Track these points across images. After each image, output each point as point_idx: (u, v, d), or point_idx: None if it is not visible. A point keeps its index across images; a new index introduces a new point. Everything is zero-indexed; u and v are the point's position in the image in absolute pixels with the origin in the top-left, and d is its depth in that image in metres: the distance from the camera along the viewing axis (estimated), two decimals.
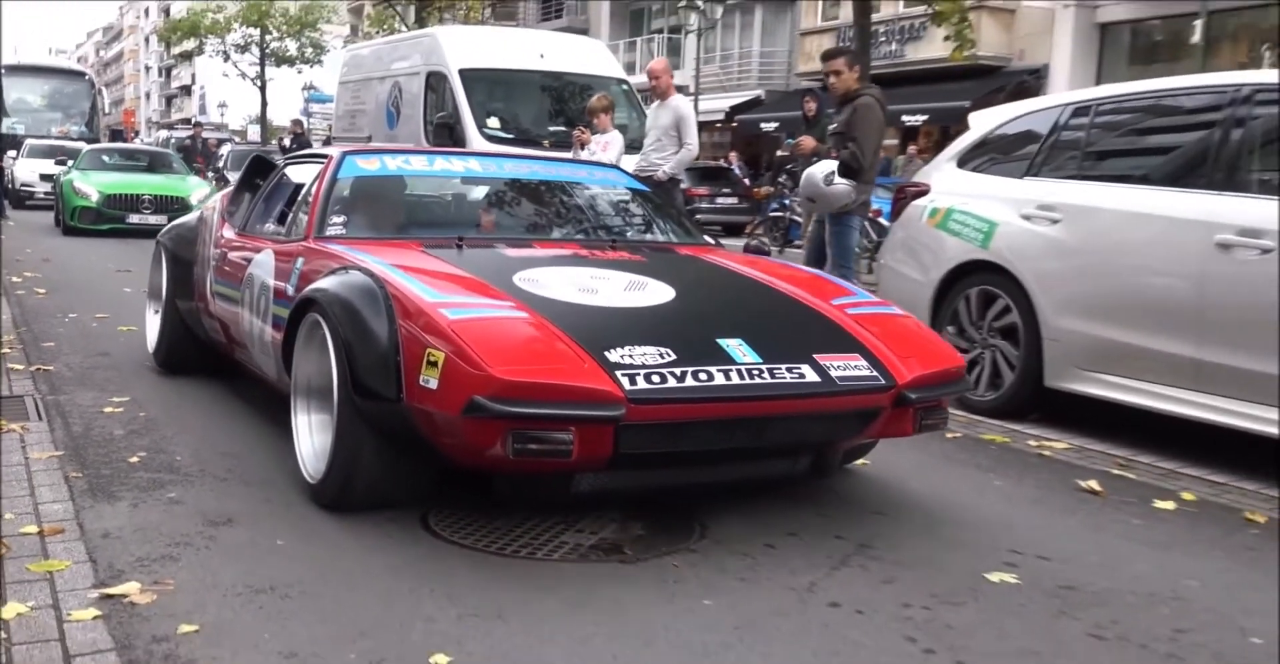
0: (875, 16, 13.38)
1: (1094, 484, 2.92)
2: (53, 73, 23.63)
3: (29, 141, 16.73)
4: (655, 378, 2.14)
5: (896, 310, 2.78)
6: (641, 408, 2.09)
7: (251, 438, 3.13)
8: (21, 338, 4.60)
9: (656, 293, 2.59)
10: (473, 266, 2.66)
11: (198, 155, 16.19)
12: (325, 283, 2.54)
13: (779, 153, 14.80)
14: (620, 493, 2.39)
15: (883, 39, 16.16)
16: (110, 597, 1.92)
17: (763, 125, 18.66)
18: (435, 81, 9.78)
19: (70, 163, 12.15)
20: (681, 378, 2.16)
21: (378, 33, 21.02)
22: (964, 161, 4.13)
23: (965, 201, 3.91)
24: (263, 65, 30.96)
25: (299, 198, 3.37)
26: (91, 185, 10.64)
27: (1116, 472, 3.10)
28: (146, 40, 63.62)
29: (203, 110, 45.65)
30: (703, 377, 2.18)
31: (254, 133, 34.49)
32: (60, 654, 1.71)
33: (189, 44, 32.94)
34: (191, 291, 3.85)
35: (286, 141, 14.64)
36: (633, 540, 2.33)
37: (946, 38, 11.54)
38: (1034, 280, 3.59)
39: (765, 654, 1.80)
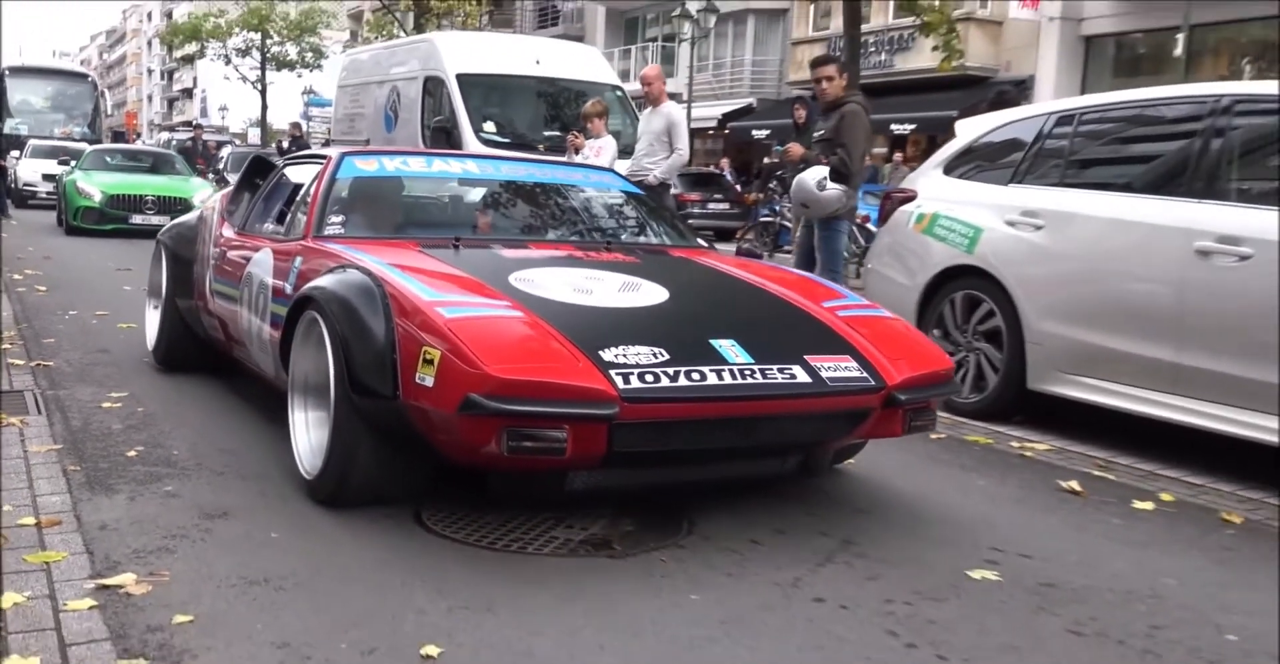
0: (865, 27, 13.52)
1: (1075, 485, 2.96)
2: (56, 74, 23.73)
3: (32, 142, 16.80)
4: (649, 377, 2.17)
5: (886, 313, 2.82)
6: (635, 407, 2.12)
7: (248, 434, 3.16)
8: (22, 334, 4.63)
9: (650, 294, 2.62)
10: (469, 266, 2.69)
11: (198, 157, 16.23)
12: (323, 281, 2.57)
13: (766, 160, 14.92)
14: (613, 491, 2.42)
15: (872, 49, 16.37)
16: (106, 587, 1.94)
17: (754, 132, 18.85)
18: (433, 86, 9.86)
19: (73, 163, 12.14)
20: (674, 377, 2.19)
21: (377, 38, 21.10)
22: (950, 168, 4.19)
23: (951, 207, 3.97)
24: (263, 69, 31.08)
25: (298, 198, 3.41)
26: (95, 185, 10.64)
27: (1097, 473, 3.15)
28: (149, 44, 63.77)
29: (204, 113, 45.73)
30: (695, 376, 2.21)
31: (254, 136, 34.57)
32: (56, 643, 1.73)
33: (191, 48, 33.09)
34: (191, 290, 3.89)
35: (285, 143, 14.70)
36: (622, 536, 2.36)
37: (935, 48, 11.69)
38: (1017, 285, 3.65)
39: (751, 648, 1.83)
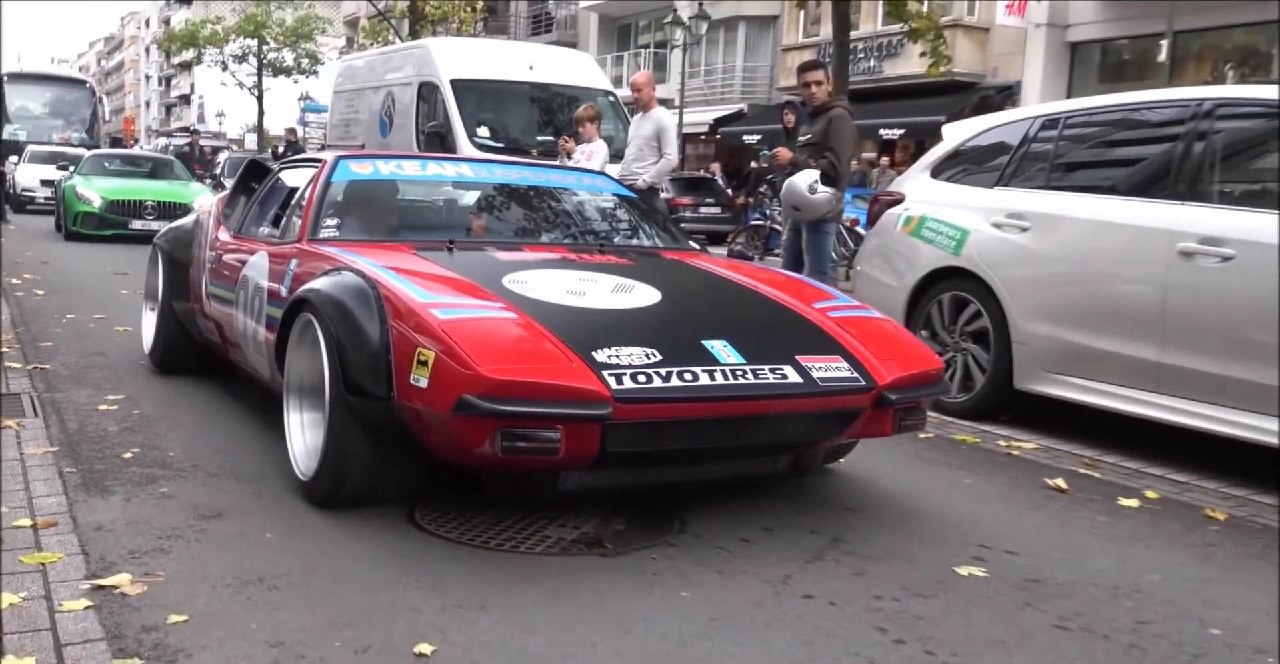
0: (854, 34, 13.67)
1: (1061, 482, 2.99)
2: (55, 81, 23.75)
3: (30, 147, 16.82)
4: (641, 378, 2.19)
5: (876, 313, 2.84)
6: (628, 407, 2.13)
7: (244, 436, 3.18)
8: (20, 337, 4.65)
9: (643, 295, 2.64)
10: (463, 269, 2.71)
11: (195, 163, 16.26)
12: (318, 283, 2.59)
13: (753, 164, 14.99)
14: (605, 490, 2.44)
15: (861, 55, 16.52)
16: (101, 588, 1.95)
17: (745, 137, 19.00)
18: (427, 92, 9.89)
19: (72, 168, 12.09)
20: (667, 378, 2.21)
21: (372, 44, 21.14)
22: (937, 172, 4.23)
23: (938, 210, 4.01)
24: (260, 75, 31.15)
25: (293, 201, 3.43)
26: (94, 191, 10.59)
27: (1083, 471, 3.18)
28: (147, 50, 63.86)
29: (201, 119, 45.78)
30: (688, 377, 2.23)
31: (251, 141, 34.63)
32: (51, 643, 1.74)
33: (188, 54, 33.17)
34: (187, 293, 3.91)
35: (281, 148, 14.73)
36: (613, 535, 2.38)
37: (922, 54, 11.78)
38: (1004, 286, 3.69)
39: (741, 644, 1.85)
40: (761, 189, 10.52)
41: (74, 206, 10.57)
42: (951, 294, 3.93)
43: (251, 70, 31.28)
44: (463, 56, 10.08)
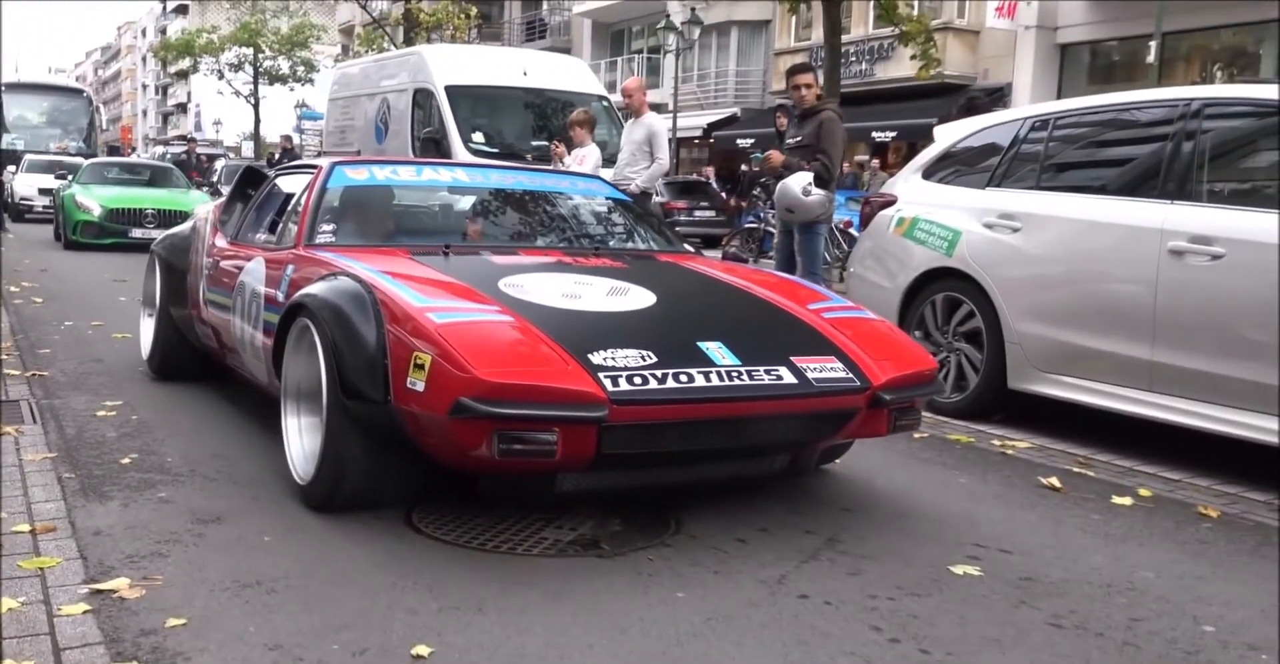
0: (845, 37, 13.72)
1: (1054, 481, 3.00)
2: (52, 90, 23.78)
3: (28, 156, 16.84)
4: (637, 380, 2.20)
5: (870, 314, 2.86)
6: (624, 409, 2.14)
7: (242, 440, 3.19)
8: (18, 345, 4.66)
9: (638, 298, 2.66)
10: (459, 273, 2.72)
11: (192, 170, 16.29)
12: (314, 288, 2.60)
13: (743, 168, 14.97)
14: (602, 492, 2.45)
15: (853, 59, 16.60)
16: (100, 592, 1.96)
17: (739, 141, 19.07)
18: (422, 98, 9.93)
19: (71, 177, 12.00)
20: (663, 380, 2.22)
21: (367, 52, 21.19)
22: (929, 173, 4.26)
23: (930, 211, 4.04)
24: (256, 83, 31.20)
25: (289, 207, 3.44)
26: (94, 199, 10.50)
27: (1076, 469, 3.19)
28: (144, 59, 63.93)
29: (198, 127, 45.83)
30: (683, 378, 2.25)
31: (248, 149, 34.67)
32: (50, 647, 1.75)
33: (184, 63, 33.20)
34: (185, 299, 3.92)
35: (277, 155, 14.75)
36: (610, 536, 2.39)
37: (913, 57, 11.82)
38: (996, 286, 3.71)
39: (736, 644, 1.86)
40: (755, 192, 10.57)
41: (73, 215, 10.49)
42: (944, 295, 3.95)
43: (248, 79, 31.34)
44: (457, 63, 10.12)
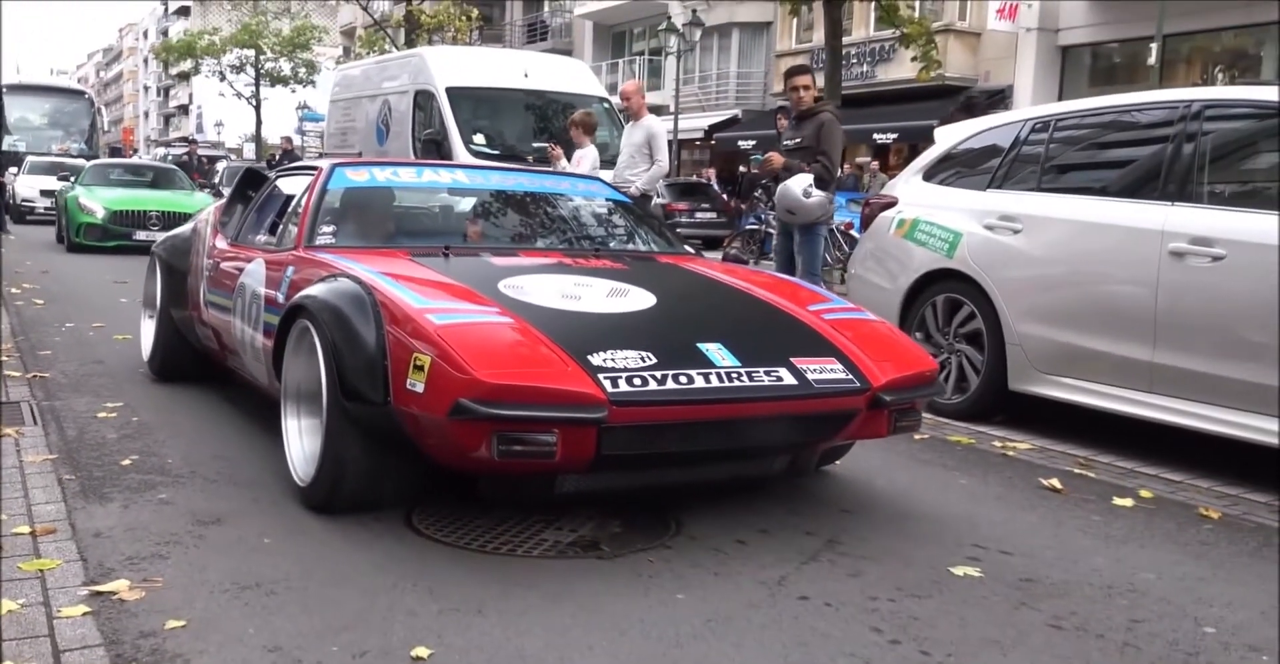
0: (846, 39, 13.74)
1: (1055, 482, 3.00)
2: (54, 92, 23.85)
3: (30, 158, 16.89)
4: (637, 381, 2.20)
5: (870, 315, 2.86)
6: (623, 410, 2.14)
7: (242, 442, 3.19)
8: (19, 346, 4.67)
9: (638, 299, 2.66)
10: (459, 274, 2.72)
11: (194, 172, 16.32)
12: (314, 290, 2.61)
13: (741, 169, 14.92)
14: (602, 493, 2.45)
15: (854, 60, 16.63)
16: (100, 594, 1.96)
17: (740, 143, 19.11)
18: (423, 100, 9.94)
19: (73, 178, 11.89)
20: (662, 381, 2.22)
21: (369, 53, 21.22)
22: (930, 175, 4.26)
23: (931, 213, 4.04)
24: (257, 85, 31.25)
25: (289, 209, 3.45)
26: (97, 201, 10.39)
27: (1077, 470, 3.19)
28: (145, 61, 64.05)
29: (200, 129, 45.90)
30: (683, 380, 2.25)
31: (249, 151, 34.71)
32: (50, 649, 1.75)
33: (186, 65, 33.26)
34: (185, 301, 3.92)
35: (277, 156, 14.76)
36: (610, 537, 2.39)
37: (914, 59, 11.83)
38: (997, 288, 3.71)
39: (736, 645, 1.85)
40: (756, 194, 10.58)
41: (76, 217, 10.38)
42: (945, 296, 3.95)
43: (249, 80, 31.38)
44: (458, 65, 10.13)
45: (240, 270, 3.35)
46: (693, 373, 2.27)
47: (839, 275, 8.05)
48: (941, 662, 1.82)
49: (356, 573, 2.13)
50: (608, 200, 3.81)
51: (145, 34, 64.28)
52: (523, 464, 2.19)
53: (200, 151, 20.03)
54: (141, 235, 10.11)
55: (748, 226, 10.85)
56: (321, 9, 32.25)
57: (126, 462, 2.90)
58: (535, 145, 9.43)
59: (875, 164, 14.82)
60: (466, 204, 3.75)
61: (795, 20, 18.49)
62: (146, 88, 67.39)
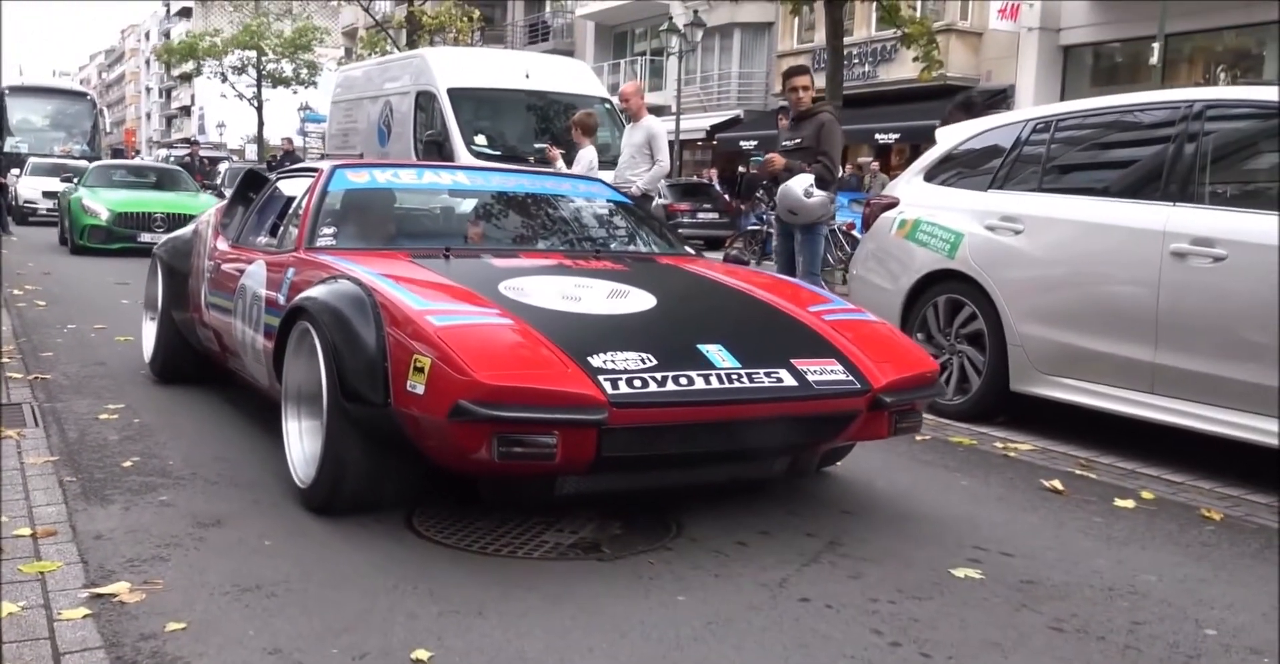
0: (848, 39, 13.73)
1: (1057, 484, 3.00)
2: (56, 93, 23.90)
3: (32, 160, 16.92)
4: (637, 382, 2.20)
5: (871, 317, 2.85)
6: (623, 412, 2.14)
7: (243, 443, 3.19)
8: (21, 348, 4.67)
9: (638, 300, 2.66)
10: (459, 276, 2.73)
11: (196, 174, 16.35)
12: (315, 292, 2.61)
13: (740, 170, 14.90)
14: (602, 495, 2.45)
15: (855, 60, 16.65)
16: (100, 596, 1.96)
17: (742, 143, 19.13)
18: (424, 101, 9.95)
19: (76, 180, 11.77)
20: (662, 382, 2.22)
21: (370, 54, 21.24)
22: (931, 175, 4.26)
23: (932, 213, 4.04)
24: (259, 86, 31.27)
25: (290, 210, 3.45)
26: (101, 203, 10.26)
27: (1079, 472, 3.19)
28: (147, 62, 64.18)
29: (202, 130, 45.96)
30: (683, 381, 2.24)
31: (252, 152, 34.75)
32: (50, 652, 1.75)
33: (188, 66, 33.30)
34: (186, 302, 3.93)
35: (279, 157, 14.77)
36: (610, 539, 2.39)
37: (916, 59, 11.83)
38: (998, 288, 3.71)
39: (737, 647, 1.85)
40: (758, 194, 10.60)
41: (80, 220, 10.24)
42: (946, 297, 3.95)
43: (251, 81, 31.42)
44: (459, 66, 10.15)
45: (241, 272, 3.35)
46: (693, 374, 2.27)
47: (841, 275, 8.06)
48: None
49: (357, 575, 2.13)
50: (608, 201, 3.81)
51: (147, 35, 64.40)
52: (523, 466, 2.19)
53: (202, 153, 20.08)
54: (146, 238, 9.94)
55: (749, 227, 10.87)
56: (323, 10, 32.29)
57: (127, 463, 2.90)
58: (537, 146, 9.45)
59: (876, 164, 14.82)
60: (467, 206, 3.75)
61: (797, 20, 18.49)
62: (149, 89, 67.51)
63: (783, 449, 2.51)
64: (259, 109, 31.54)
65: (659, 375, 2.24)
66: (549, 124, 9.80)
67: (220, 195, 13.74)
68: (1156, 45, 11.46)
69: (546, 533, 2.40)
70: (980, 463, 3.29)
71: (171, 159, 21.13)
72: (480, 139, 9.47)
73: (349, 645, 1.81)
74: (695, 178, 17.81)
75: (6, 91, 21.33)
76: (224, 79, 31.57)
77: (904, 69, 15.17)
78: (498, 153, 9.30)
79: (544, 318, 2.43)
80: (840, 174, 5.44)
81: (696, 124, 19.99)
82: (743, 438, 2.39)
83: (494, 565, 2.21)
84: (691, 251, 3.54)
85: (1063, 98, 14.30)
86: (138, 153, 43.62)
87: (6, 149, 16.96)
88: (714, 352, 2.37)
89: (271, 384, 2.91)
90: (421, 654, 1.77)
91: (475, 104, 9.75)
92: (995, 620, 2.02)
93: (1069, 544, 2.50)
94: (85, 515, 2.45)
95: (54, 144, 20.74)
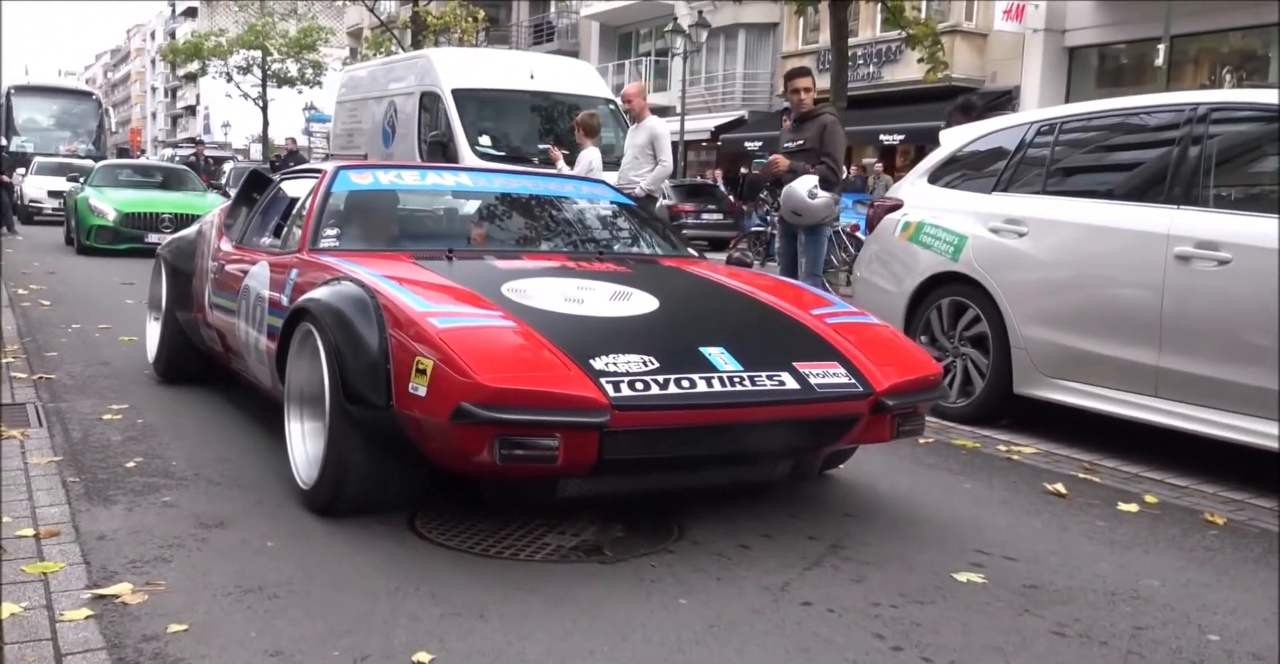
0: (852, 40, 13.76)
1: (1060, 487, 3.00)
2: (62, 93, 23.99)
3: (37, 159, 16.97)
4: (639, 385, 2.20)
5: (874, 319, 2.85)
6: (625, 414, 2.14)
7: (246, 444, 3.19)
8: (25, 348, 4.69)
9: (641, 303, 2.66)
10: (462, 277, 2.73)
11: (201, 173, 16.38)
12: (318, 293, 2.61)
13: (742, 171, 14.88)
14: (604, 497, 2.45)
15: (860, 62, 16.65)
16: (102, 597, 1.97)
17: (746, 144, 19.14)
18: (429, 101, 9.97)
19: (83, 180, 11.70)
20: (664, 385, 2.22)
21: (375, 55, 21.28)
22: (935, 178, 4.25)
23: (936, 216, 4.03)
24: (264, 86, 31.34)
25: (294, 211, 3.46)
26: (108, 203, 10.18)
27: (1082, 475, 3.18)
28: (153, 62, 64.33)
29: (207, 129, 46.06)
30: (685, 384, 2.24)
31: (256, 152, 34.82)
32: (52, 653, 1.75)
33: (193, 66, 33.40)
34: (190, 303, 3.93)
35: (282, 156, 14.79)
36: (612, 542, 2.39)
37: (920, 60, 11.83)
38: (1002, 291, 3.70)
39: (739, 651, 1.85)
40: (762, 195, 10.61)
41: (87, 220, 10.14)
42: (950, 299, 3.94)
43: (256, 81, 31.49)
44: (464, 66, 10.16)
45: (245, 273, 3.35)
46: (695, 377, 2.27)
47: (845, 277, 8.07)
48: None
49: (359, 576, 2.13)
50: (611, 203, 3.81)
51: (153, 35, 64.57)
52: (525, 468, 2.19)
53: (207, 152, 20.13)
54: (154, 238, 9.71)
55: (753, 228, 10.87)
56: (328, 10, 32.37)
57: (131, 464, 2.91)
58: (541, 147, 9.47)
59: (879, 166, 14.81)
60: (470, 207, 3.75)
61: (801, 21, 18.51)
62: (154, 89, 67.68)
63: (785, 452, 2.51)
64: (264, 109, 31.61)
65: (661, 378, 2.23)
66: (553, 125, 9.81)
67: (226, 195, 13.78)
68: (1162, 47, 11.44)
69: (548, 535, 2.40)
70: (983, 466, 3.28)
71: (177, 158, 21.22)
72: (484, 140, 9.48)
73: (351, 647, 1.81)
74: (699, 179, 17.82)
75: (12, 91, 21.43)
76: (229, 79, 31.65)
77: (909, 70, 15.16)
78: (502, 153, 9.31)
79: (546, 320, 2.43)
80: (844, 175, 5.44)
81: (701, 125, 20.01)
82: (745, 441, 2.38)
83: (496, 568, 2.21)
84: (694, 253, 3.54)
85: (1068, 99, 14.30)
86: (143, 152, 43.77)
87: (12, 148, 17.00)
88: (716, 354, 2.37)
89: (274, 385, 2.91)
90: (423, 656, 1.77)
91: (480, 105, 9.76)
92: (998, 625, 2.01)
93: (1072, 548, 2.49)
94: (88, 516, 2.46)
95: (59, 143, 20.82)
